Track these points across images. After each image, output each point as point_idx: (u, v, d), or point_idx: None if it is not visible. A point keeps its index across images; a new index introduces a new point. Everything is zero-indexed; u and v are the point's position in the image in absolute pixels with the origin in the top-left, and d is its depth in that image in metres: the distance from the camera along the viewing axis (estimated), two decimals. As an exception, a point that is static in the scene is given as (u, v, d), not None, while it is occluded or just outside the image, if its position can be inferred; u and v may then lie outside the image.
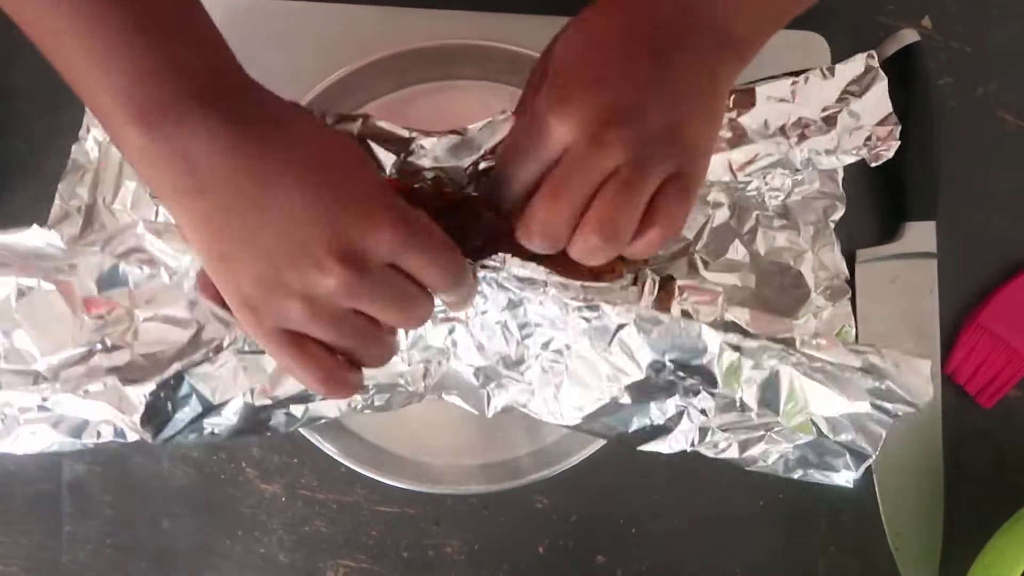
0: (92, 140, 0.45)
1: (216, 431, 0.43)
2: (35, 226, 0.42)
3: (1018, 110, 0.58)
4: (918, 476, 0.55)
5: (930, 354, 0.55)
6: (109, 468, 0.54)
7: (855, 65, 0.46)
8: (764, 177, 0.47)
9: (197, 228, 0.33)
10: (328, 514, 0.54)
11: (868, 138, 0.46)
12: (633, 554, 0.55)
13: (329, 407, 0.44)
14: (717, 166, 0.46)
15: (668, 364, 0.41)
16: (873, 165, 0.47)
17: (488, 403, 0.45)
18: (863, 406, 0.42)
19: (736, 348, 0.40)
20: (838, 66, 0.46)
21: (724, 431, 0.43)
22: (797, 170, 0.47)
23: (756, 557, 0.55)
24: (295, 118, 0.34)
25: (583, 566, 0.55)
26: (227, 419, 0.42)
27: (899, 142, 0.46)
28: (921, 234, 0.56)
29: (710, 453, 0.44)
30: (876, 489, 0.55)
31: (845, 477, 0.44)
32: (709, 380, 0.41)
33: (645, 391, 0.42)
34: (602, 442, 0.49)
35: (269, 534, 0.54)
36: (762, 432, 0.43)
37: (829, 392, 0.42)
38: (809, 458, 0.44)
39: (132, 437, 0.42)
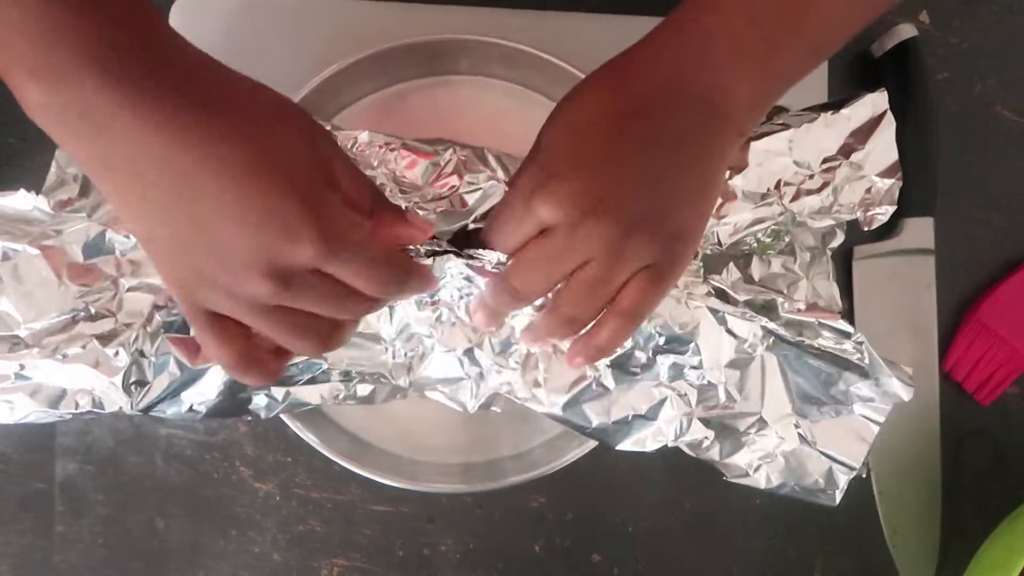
0: None
1: (196, 407, 0.42)
2: (22, 190, 0.41)
3: (1016, 105, 0.58)
4: (915, 474, 0.55)
5: (927, 351, 0.56)
6: (102, 467, 0.53)
7: (862, 108, 0.44)
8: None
9: (118, 202, 0.32)
10: (322, 513, 0.54)
11: (868, 190, 0.45)
12: (629, 553, 0.55)
13: (311, 393, 0.44)
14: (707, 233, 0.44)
15: (654, 332, 0.42)
16: (866, 229, 0.46)
17: (473, 394, 0.44)
18: (847, 409, 0.42)
19: (719, 315, 0.41)
20: (844, 110, 0.44)
21: (706, 425, 0.43)
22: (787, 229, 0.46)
23: (753, 555, 0.55)
24: (238, 103, 0.32)
25: (579, 565, 0.54)
26: (207, 394, 0.42)
27: (895, 207, 0.45)
28: (919, 230, 0.55)
29: (692, 452, 0.44)
30: (873, 487, 0.55)
31: (829, 494, 0.44)
32: (692, 350, 0.42)
33: (627, 369, 0.43)
34: (594, 443, 0.49)
35: (263, 533, 0.54)
36: (744, 431, 0.43)
37: (812, 384, 0.42)
38: (793, 467, 0.44)
39: (111, 407, 0.42)
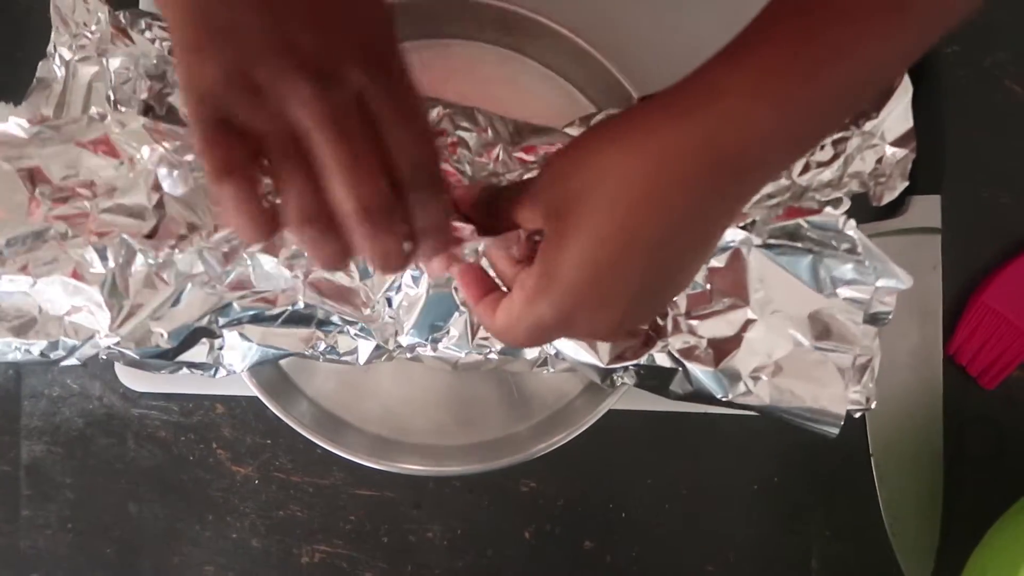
0: (59, 59, 0.43)
1: (165, 338, 0.41)
2: None
3: (1026, 80, 0.56)
4: (917, 460, 0.54)
5: (931, 334, 0.54)
6: (70, 449, 0.51)
7: None
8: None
9: (180, 12, 0.29)
10: (303, 498, 0.52)
11: (879, 160, 0.43)
12: (623, 539, 0.53)
13: (289, 339, 0.43)
14: None
15: None
16: (875, 204, 0.44)
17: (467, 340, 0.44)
18: (839, 303, 0.42)
19: None
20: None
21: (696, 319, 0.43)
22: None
23: (750, 542, 0.54)
24: None
25: (571, 552, 0.53)
26: (180, 317, 0.41)
27: (907, 182, 0.44)
28: (926, 208, 0.53)
29: (683, 358, 0.43)
30: (874, 472, 0.54)
31: (835, 416, 0.43)
32: None
33: None
34: (587, 423, 0.47)
35: (241, 519, 0.52)
36: (737, 326, 0.43)
37: (800, 285, 0.41)
38: (795, 391, 0.43)
39: (84, 335, 0.40)
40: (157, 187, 0.40)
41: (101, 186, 0.40)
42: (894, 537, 0.53)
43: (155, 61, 0.43)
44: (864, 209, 0.54)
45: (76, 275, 0.40)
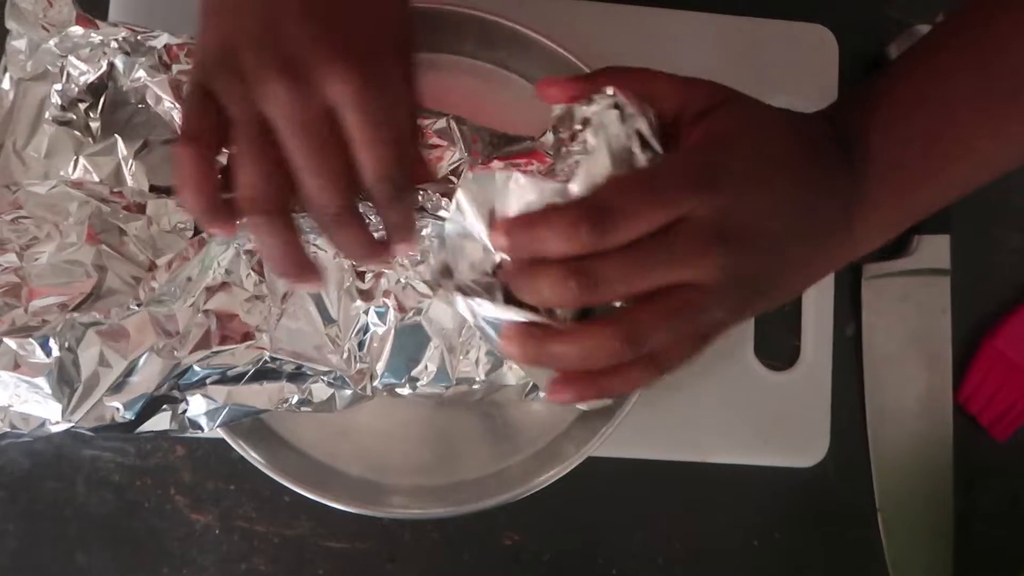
0: (8, 80, 0.41)
1: (122, 412, 0.38)
2: None
3: (1036, 117, 0.54)
4: (926, 515, 0.52)
5: (940, 380, 0.52)
6: (14, 492, 0.48)
7: None
8: None
9: None
10: (268, 549, 0.49)
11: None
12: (613, 598, 0.50)
13: (258, 396, 0.40)
14: None
15: None
16: None
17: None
18: None
19: None
20: None
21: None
22: None
23: (749, 602, 0.51)
24: None
25: (557, 612, 0.49)
26: (136, 388, 0.38)
27: None
28: (934, 248, 0.52)
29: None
30: (881, 527, 0.51)
31: None
32: None
33: None
34: (572, 463, 0.44)
35: (200, 572, 0.48)
36: None
37: None
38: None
39: (34, 423, 0.37)
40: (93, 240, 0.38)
41: (29, 253, 0.38)
42: (902, 597, 0.51)
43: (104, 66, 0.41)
44: (872, 248, 0.52)
45: (20, 368, 0.36)
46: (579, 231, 0.28)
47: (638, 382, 0.31)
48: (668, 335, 0.29)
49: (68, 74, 0.41)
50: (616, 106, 0.31)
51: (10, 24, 0.41)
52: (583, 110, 0.32)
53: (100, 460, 0.48)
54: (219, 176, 0.31)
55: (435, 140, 0.41)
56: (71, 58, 0.40)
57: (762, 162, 0.31)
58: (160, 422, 0.39)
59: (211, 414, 0.40)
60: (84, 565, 0.48)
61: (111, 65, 0.40)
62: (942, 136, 0.34)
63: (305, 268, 0.33)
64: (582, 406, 0.44)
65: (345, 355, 0.41)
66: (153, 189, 0.40)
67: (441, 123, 0.41)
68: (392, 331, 0.41)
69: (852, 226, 0.34)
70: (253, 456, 0.44)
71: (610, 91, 0.31)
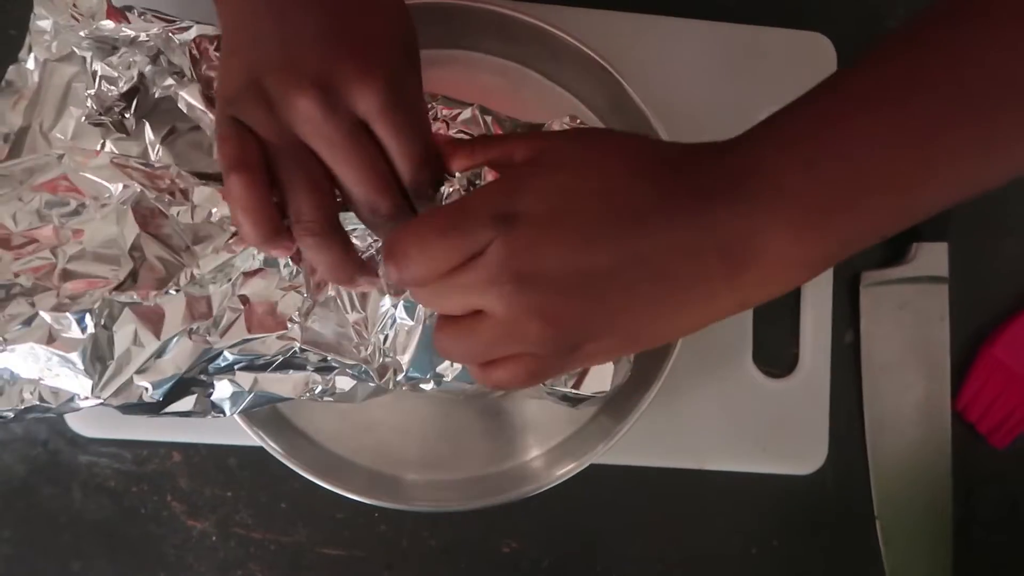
0: (33, 61, 0.41)
1: (150, 392, 0.37)
2: None
3: (1034, 125, 0.54)
4: (925, 522, 0.52)
5: (938, 388, 0.51)
6: (9, 499, 0.47)
7: None
8: None
9: (227, 19, 0.33)
10: (265, 556, 0.48)
11: None
12: (611, 606, 0.49)
13: (283, 384, 0.39)
14: None
15: None
16: None
17: None
18: None
19: None
20: None
21: None
22: None
23: (747, 611, 0.50)
24: None
25: (554, 620, 0.49)
26: (167, 369, 0.37)
27: None
28: (932, 256, 0.52)
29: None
30: (879, 535, 0.51)
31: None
32: None
33: None
34: (580, 464, 0.44)
35: (195, 579, 0.48)
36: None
37: None
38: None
39: (63, 398, 0.36)
40: (132, 225, 0.37)
41: (65, 231, 0.37)
42: (901, 606, 0.51)
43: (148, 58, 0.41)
44: (870, 257, 0.52)
45: (54, 342, 0.36)
46: (388, 270, 0.30)
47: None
48: (458, 350, 0.31)
49: (100, 79, 0.40)
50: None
51: (38, 9, 0.40)
52: None
53: (96, 466, 0.48)
54: (275, 200, 0.32)
55: (461, 129, 0.41)
56: (103, 64, 0.40)
57: (578, 201, 0.29)
58: (184, 404, 0.39)
59: (235, 399, 0.39)
60: (80, 572, 0.47)
61: (140, 75, 0.40)
62: (861, 165, 0.29)
63: (362, 272, 0.35)
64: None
65: (371, 349, 0.40)
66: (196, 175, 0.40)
67: (467, 113, 0.42)
68: (420, 327, 0.41)
69: (739, 268, 0.29)
70: (272, 446, 0.44)
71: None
